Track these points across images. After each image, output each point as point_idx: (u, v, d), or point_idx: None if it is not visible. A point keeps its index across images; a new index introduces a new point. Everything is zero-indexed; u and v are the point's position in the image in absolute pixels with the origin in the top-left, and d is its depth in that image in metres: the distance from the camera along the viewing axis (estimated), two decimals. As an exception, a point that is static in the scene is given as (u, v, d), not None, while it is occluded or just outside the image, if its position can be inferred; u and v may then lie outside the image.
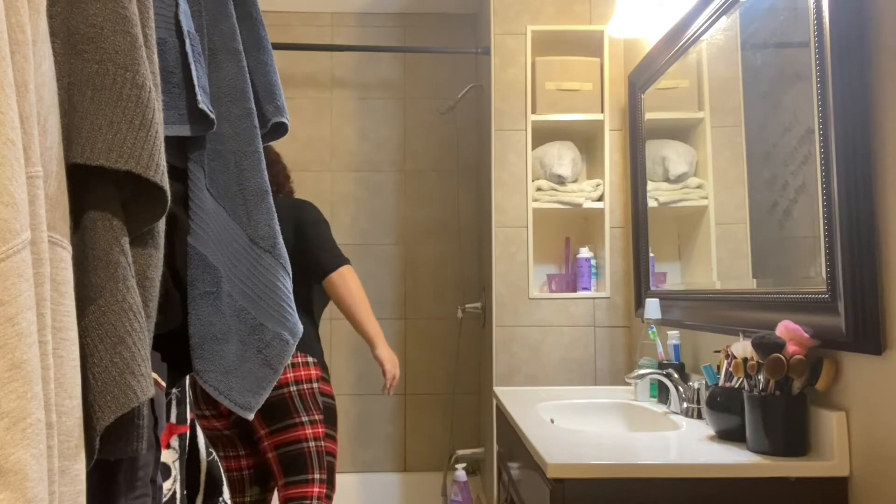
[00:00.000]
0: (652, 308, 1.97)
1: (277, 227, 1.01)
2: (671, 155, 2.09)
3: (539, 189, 2.56)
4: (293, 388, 1.86)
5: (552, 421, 1.87)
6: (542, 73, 2.59)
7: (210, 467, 1.13)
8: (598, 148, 2.65)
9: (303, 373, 1.88)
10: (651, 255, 2.27)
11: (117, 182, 0.74)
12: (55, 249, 0.65)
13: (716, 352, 1.75)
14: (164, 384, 0.90)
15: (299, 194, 3.32)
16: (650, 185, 2.26)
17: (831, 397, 1.31)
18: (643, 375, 1.77)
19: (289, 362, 1.76)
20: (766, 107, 1.52)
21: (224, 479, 1.17)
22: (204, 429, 1.91)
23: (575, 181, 2.61)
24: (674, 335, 1.86)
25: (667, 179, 2.10)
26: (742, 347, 1.41)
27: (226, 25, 1.00)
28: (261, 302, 0.98)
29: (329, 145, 3.37)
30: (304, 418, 1.85)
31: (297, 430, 1.84)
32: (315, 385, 1.88)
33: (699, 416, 1.67)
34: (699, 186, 1.90)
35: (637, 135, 2.35)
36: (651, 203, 2.25)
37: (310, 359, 1.90)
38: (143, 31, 0.76)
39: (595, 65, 2.61)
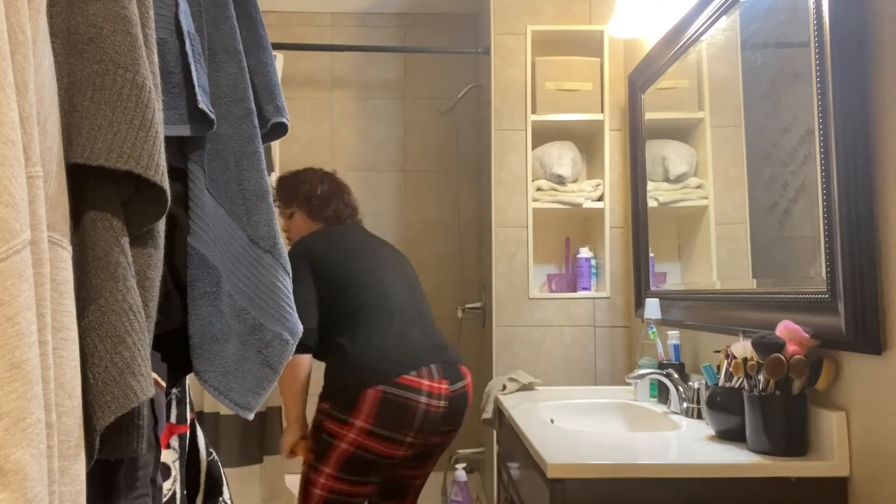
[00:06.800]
0: (652, 308, 1.97)
1: (277, 228, 1.01)
2: (671, 155, 2.09)
3: (539, 189, 2.56)
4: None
5: (552, 421, 1.86)
6: (542, 73, 2.59)
7: (210, 467, 1.13)
8: (598, 148, 2.65)
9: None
10: (651, 255, 2.27)
11: (117, 182, 0.74)
12: (55, 249, 0.65)
13: (716, 352, 1.75)
14: (164, 384, 0.90)
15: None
16: (650, 185, 2.26)
17: (831, 397, 1.30)
18: (643, 375, 1.77)
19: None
20: (766, 107, 1.52)
21: (225, 479, 1.17)
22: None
23: (575, 181, 2.61)
24: (674, 335, 1.86)
25: (667, 179, 2.10)
26: (742, 347, 1.41)
27: (226, 25, 1.00)
28: (261, 302, 0.98)
29: (329, 145, 3.37)
30: None
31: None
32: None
33: (699, 416, 1.67)
34: (699, 186, 1.90)
35: (637, 135, 2.35)
36: (651, 203, 2.25)
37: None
38: (143, 31, 0.76)
39: (595, 65, 2.61)
